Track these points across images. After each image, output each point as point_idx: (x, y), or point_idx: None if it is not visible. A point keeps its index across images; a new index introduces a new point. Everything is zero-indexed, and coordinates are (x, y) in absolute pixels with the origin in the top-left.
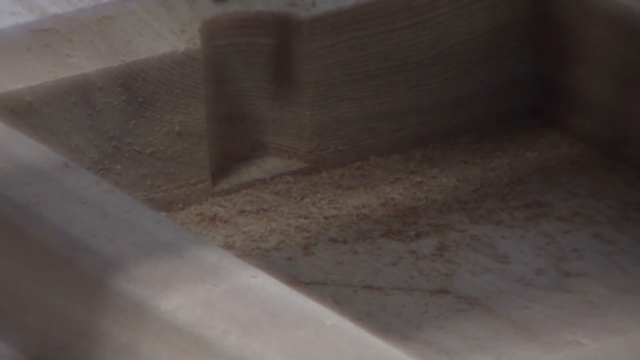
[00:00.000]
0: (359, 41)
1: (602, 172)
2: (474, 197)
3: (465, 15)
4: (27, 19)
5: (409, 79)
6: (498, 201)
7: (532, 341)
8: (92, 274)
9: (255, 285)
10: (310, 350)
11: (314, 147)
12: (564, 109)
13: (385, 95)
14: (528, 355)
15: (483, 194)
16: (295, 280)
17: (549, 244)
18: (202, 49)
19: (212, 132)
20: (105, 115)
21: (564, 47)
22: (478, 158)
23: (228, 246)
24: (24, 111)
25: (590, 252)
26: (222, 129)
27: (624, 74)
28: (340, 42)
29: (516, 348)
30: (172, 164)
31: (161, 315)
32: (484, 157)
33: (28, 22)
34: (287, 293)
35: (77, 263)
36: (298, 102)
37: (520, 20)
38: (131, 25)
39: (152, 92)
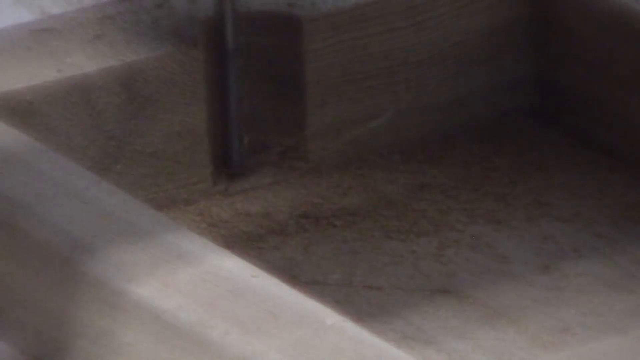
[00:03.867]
0: (359, 41)
1: (602, 172)
2: (474, 197)
3: (465, 15)
4: (27, 18)
5: (408, 79)
6: (498, 201)
7: (532, 341)
8: (92, 274)
9: (256, 285)
10: (311, 350)
11: (314, 147)
12: (564, 109)
13: (385, 95)
14: (528, 355)
15: (483, 193)
16: (296, 280)
17: (549, 244)
18: (202, 49)
19: (212, 132)
20: (105, 115)
21: (564, 47)
22: (478, 158)
23: (228, 246)
24: (25, 111)
25: (591, 252)
26: (222, 129)
27: (624, 74)
28: (340, 42)
29: (516, 348)
30: (173, 163)
31: (161, 315)
32: (484, 157)
33: (28, 22)
34: (287, 293)
35: (77, 263)
36: (298, 102)
37: (520, 20)
38: (131, 25)
39: (152, 91)
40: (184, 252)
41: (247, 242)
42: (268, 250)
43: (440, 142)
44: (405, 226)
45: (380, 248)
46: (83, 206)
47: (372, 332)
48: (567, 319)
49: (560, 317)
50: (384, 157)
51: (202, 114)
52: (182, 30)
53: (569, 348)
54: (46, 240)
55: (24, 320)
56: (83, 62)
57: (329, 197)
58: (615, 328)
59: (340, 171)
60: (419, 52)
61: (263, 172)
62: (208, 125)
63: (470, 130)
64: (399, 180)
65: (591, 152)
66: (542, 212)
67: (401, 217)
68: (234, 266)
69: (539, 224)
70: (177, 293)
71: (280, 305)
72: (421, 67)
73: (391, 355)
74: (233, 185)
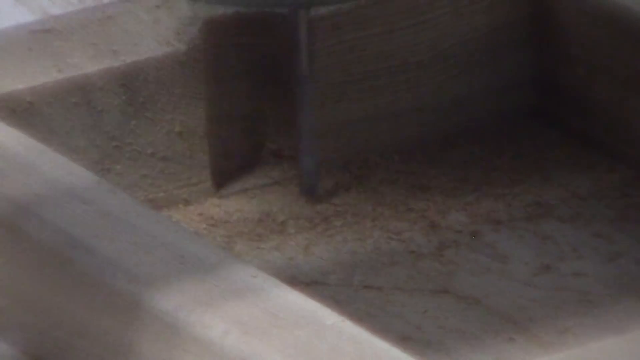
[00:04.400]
0: (359, 41)
1: (602, 172)
2: (474, 197)
3: (465, 15)
4: (27, 19)
5: (409, 79)
6: (498, 201)
7: (532, 341)
8: (92, 274)
9: (256, 285)
10: (310, 350)
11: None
12: (564, 109)
13: (385, 95)
14: (528, 355)
15: (483, 194)
16: (295, 280)
17: (549, 244)
18: (202, 49)
19: (212, 132)
20: (105, 115)
21: (564, 47)
22: (478, 158)
23: (228, 246)
24: (25, 111)
25: (590, 252)
26: (222, 129)
27: (624, 74)
28: (340, 42)
29: (516, 348)
30: (173, 164)
31: (161, 315)
32: (484, 157)
33: (29, 23)
34: (287, 293)
35: (77, 263)
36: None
37: (520, 20)
38: (132, 26)
39: (152, 92)
40: (184, 252)
41: (247, 242)
42: (268, 250)
43: (440, 143)
44: (405, 226)
45: (380, 248)
46: (83, 206)
47: (372, 332)
48: (567, 319)
49: (560, 317)
50: (384, 157)
51: (202, 114)
52: (182, 31)
53: (569, 348)
54: (46, 240)
55: (24, 320)
56: (83, 62)
57: (329, 197)
58: (615, 328)
59: (340, 171)
60: (419, 52)
61: (263, 172)
62: (208, 125)
63: (470, 131)
64: (399, 180)
65: (591, 152)
66: (542, 212)
67: (401, 217)
68: (233, 266)
69: (539, 224)
70: (177, 293)
71: (280, 306)
72: (421, 67)
73: (391, 355)
74: (233, 186)
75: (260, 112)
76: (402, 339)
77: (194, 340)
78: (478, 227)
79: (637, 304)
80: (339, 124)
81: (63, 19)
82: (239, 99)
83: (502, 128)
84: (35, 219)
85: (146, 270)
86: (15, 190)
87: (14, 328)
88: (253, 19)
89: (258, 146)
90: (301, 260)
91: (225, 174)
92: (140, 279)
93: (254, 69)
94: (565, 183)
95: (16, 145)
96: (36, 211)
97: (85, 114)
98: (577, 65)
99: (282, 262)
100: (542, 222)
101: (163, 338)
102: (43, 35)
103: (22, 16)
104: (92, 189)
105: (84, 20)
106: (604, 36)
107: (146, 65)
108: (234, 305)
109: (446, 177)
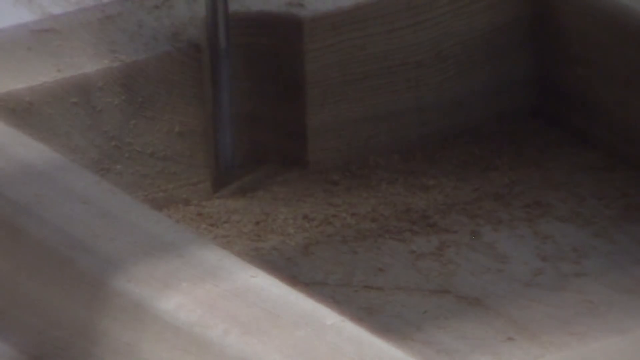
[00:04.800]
0: (359, 41)
1: (602, 172)
2: (474, 196)
3: (465, 15)
4: (27, 18)
5: (409, 79)
6: (498, 201)
7: (532, 341)
8: (92, 274)
9: (256, 285)
10: (310, 350)
11: (314, 147)
12: (564, 109)
13: (385, 95)
14: (528, 355)
15: (483, 193)
16: (295, 280)
17: (549, 244)
18: (202, 49)
19: (212, 132)
20: (105, 115)
21: (564, 47)
22: (478, 158)
23: (228, 246)
24: (25, 111)
25: (590, 252)
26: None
27: (623, 74)
28: (340, 42)
29: (516, 348)
30: (172, 164)
31: (161, 315)
32: (484, 157)
33: (28, 22)
34: (287, 293)
35: (77, 263)
36: (298, 102)
37: (520, 20)
38: (131, 25)
39: (152, 92)
40: (183, 252)
41: (247, 242)
42: (268, 250)
43: (440, 142)
44: (405, 226)
45: (380, 248)
46: (83, 206)
47: (372, 332)
48: (567, 318)
49: (560, 317)
50: (384, 157)
51: (202, 114)
52: (182, 31)
53: (568, 348)
54: (46, 240)
55: (24, 320)
56: (83, 62)
57: (329, 197)
58: (615, 328)
59: (340, 171)
60: (419, 52)
61: (263, 172)
62: (208, 125)
63: (470, 130)
64: (398, 180)
65: (591, 152)
66: (542, 212)
67: (401, 217)
68: (233, 266)
69: (539, 224)
70: (177, 293)
71: (280, 306)
72: (421, 67)
73: (391, 355)
74: (233, 185)
75: (260, 112)
76: (402, 339)
77: (194, 340)
78: (478, 227)
79: (637, 304)
80: (339, 124)
81: (63, 18)
82: (239, 99)
83: (502, 128)
84: (35, 219)
85: (146, 270)
86: (15, 190)
87: (14, 328)
88: (253, 19)
89: (258, 146)
90: (301, 260)
91: (225, 173)
92: (140, 278)
93: (254, 69)
94: (565, 183)
95: (16, 145)
96: (36, 211)
97: (85, 113)
98: (577, 65)
99: (282, 262)
100: (542, 222)
101: (163, 338)
102: (43, 35)
103: (22, 16)
104: (92, 189)
105: (83, 20)
106: (604, 36)
107: (146, 65)
108: (234, 305)
109: (446, 177)
